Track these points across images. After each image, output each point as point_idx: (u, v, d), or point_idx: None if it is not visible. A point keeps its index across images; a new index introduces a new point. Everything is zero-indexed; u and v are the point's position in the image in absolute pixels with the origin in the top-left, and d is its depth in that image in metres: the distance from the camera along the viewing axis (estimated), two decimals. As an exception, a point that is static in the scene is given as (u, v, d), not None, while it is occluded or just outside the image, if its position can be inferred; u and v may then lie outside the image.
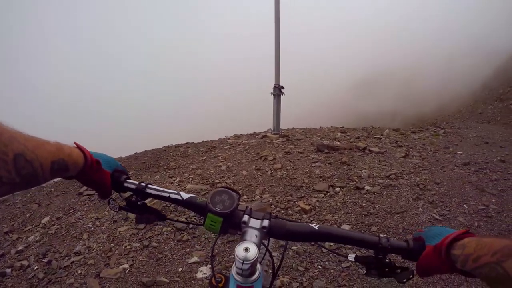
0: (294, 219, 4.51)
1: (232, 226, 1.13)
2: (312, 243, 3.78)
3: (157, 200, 1.44)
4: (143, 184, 1.25)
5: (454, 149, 7.30)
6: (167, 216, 1.35)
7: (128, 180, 1.28)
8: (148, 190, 1.24)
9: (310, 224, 1.13)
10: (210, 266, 3.36)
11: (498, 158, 6.47)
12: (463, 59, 23.87)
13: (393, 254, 1.06)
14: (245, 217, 1.12)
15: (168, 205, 4.96)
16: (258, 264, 1.07)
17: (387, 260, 1.05)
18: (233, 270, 1.05)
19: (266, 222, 1.11)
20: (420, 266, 0.99)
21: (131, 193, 1.28)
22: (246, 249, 0.97)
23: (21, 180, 0.81)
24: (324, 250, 3.79)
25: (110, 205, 1.29)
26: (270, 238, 1.23)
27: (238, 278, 1.05)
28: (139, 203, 1.25)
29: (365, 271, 1.08)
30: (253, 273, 1.05)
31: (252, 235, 1.08)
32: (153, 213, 1.31)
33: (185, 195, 1.22)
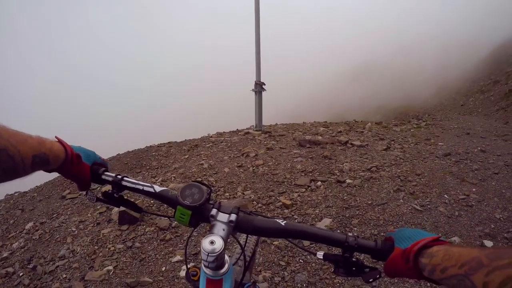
0: (272, 215, 4.56)
1: (201, 219, 1.16)
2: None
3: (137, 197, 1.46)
4: (119, 176, 1.28)
5: (435, 141, 7.40)
6: (143, 209, 1.39)
7: (106, 173, 1.31)
8: (124, 183, 1.27)
9: (277, 220, 1.15)
10: (184, 260, 3.37)
11: (479, 148, 6.58)
12: (445, 53, 24.09)
13: (364, 254, 1.08)
14: (213, 211, 1.15)
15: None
16: (227, 258, 1.11)
17: (354, 259, 1.06)
18: (202, 264, 1.08)
19: (233, 217, 1.13)
20: (388, 268, 1.00)
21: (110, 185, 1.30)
22: (212, 242, 1.00)
23: (2, 173, 0.85)
24: (294, 247, 3.83)
25: (88, 196, 1.33)
26: (248, 235, 1.26)
27: (206, 271, 1.08)
28: (115, 195, 1.29)
29: (333, 269, 1.10)
30: (221, 266, 1.08)
31: (219, 228, 1.10)
32: (129, 205, 1.34)
33: (158, 188, 1.25)
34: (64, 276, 3.98)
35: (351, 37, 36.03)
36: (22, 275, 4.17)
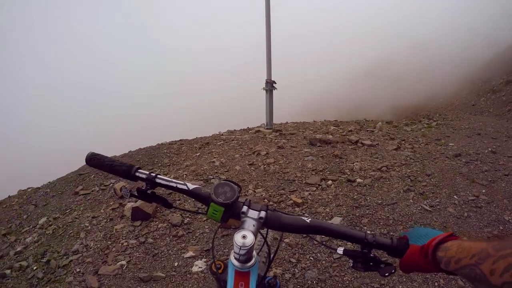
0: (288, 212, 4.60)
1: (232, 215, 1.24)
2: (304, 235, 3.89)
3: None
4: (153, 174, 1.36)
5: (446, 141, 7.37)
6: (173, 205, 1.45)
7: (139, 170, 1.39)
8: (158, 180, 1.35)
9: (303, 218, 1.22)
10: (211, 254, 3.47)
11: (489, 149, 6.54)
12: (457, 52, 23.89)
13: (378, 251, 1.15)
14: (244, 208, 1.22)
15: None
16: (254, 252, 1.17)
17: (371, 255, 1.13)
18: (231, 257, 1.15)
19: (263, 214, 1.20)
20: (404, 263, 1.08)
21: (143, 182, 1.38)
22: (244, 236, 1.08)
23: None
24: (315, 242, 3.88)
25: (122, 192, 1.41)
26: (269, 231, 1.33)
27: (236, 263, 1.14)
28: (148, 191, 1.36)
29: (351, 264, 1.16)
30: (249, 259, 1.15)
31: (250, 224, 1.17)
32: (161, 201, 1.40)
33: (191, 186, 1.33)
34: (78, 270, 4.05)
35: (363, 35, 35.80)
36: (36, 268, 4.26)
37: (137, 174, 1.37)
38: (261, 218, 1.19)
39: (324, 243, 2.94)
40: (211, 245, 4.05)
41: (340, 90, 28.35)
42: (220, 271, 1.27)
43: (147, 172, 1.37)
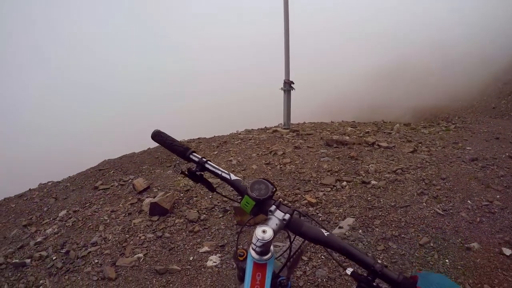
0: (307, 212, 4.68)
1: (261, 211, 1.37)
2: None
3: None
4: (204, 159, 1.54)
5: (463, 145, 7.31)
6: (216, 190, 1.63)
7: (193, 153, 1.58)
8: (207, 165, 1.53)
9: (322, 230, 1.30)
10: (236, 243, 3.61)
11: (507, 154, 6.47)
12: (477, 53, 23.61)
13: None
14: (273, 207, 1.33)
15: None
16: (272, 248, 1.25)
17: (374, 284, 1.17)
18: (250, 248, 1.24)
19: (287, 216, 1.30)
20: None
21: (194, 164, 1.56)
22: (264, 231, 1.17)
23: None
24: (329, 256, 3.90)
25: (174, 168, 1.63)
26: (297, 236, 1.43)
27: (253, 254, 1.23)
28: (197, 173, 1.53)
29: (355, 286, 1.21)
30: (266, 253, 1.23)
31: (273, 222, 1.28)
32: (206, 184, 1.58)
33: (233, 177, 1.49)
34: (96, 261, 4.17)
35: (382, 35, 35.58)
36: (55, 258, 4.38)
37: (191, 156, 1.56)
38: (284, 219, 1.29)
39: (337, 258, 3.04)
40: (236, 237, 4.16)
41: (359, 90, 28.20)
42: (241, 258, 1.34)
43: (200, 157, 1.55)
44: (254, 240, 1.18)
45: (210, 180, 1.59)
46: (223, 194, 1.78)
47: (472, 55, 23.67)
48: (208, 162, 1.53)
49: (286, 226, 1.30)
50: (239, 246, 1.36)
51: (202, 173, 1.54)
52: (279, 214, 1.31)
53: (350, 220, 4.37)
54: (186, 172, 1.54)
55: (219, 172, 1.50)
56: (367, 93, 27.31)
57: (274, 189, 1.38)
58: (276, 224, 1.26)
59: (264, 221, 1.28)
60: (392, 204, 4.73)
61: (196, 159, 1.55)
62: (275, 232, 1.22)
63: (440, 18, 32.86)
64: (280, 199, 1.25)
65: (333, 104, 27.39)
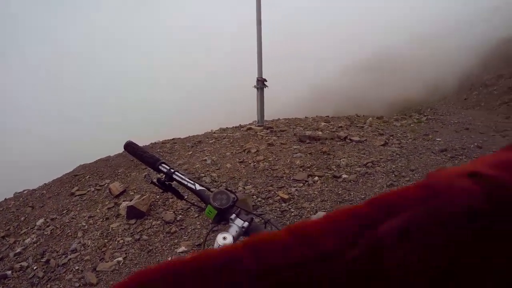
0: (270, 208, 4.81)
1: (223, 219, 1.48)
2: None
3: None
4: (172, 170, 1.63)
5: (433, 136, 7.51)
6: (184, 197, 1.75)
7: (163, 164, 1.67)
8: (174, 176, 1.62)
9: None
10: (202, 246, 3.72)
11: (476, 144, 6.69)
12: (451, 46, 23.95)
13: None
14: (233, 216, 1.45)
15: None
16: None
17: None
18: None
19: (246, 224, 1.42)
20: None
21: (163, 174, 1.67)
22: (224, 238, 1.29)
23: None
24: None
25: (145, 178, 1.79)
26: None
27: None
28: (166, 182, 1.63)
29: None
30: None
31: (234, 229, 1.39)
32: (175, 193, 1.68)
33: (198, 187, 1.60)
34: (77, 267, 4.24)
35: (362, 30, 35.87)
36: (36, 268, 4.43)
37: (160, 167, 1.66)
38: (243, 227, 1.41)
39: None
40: (202, 240, 4.27)
41: (338, 85, 28.41)
42: None
43: (168, 167, 1.64)
44: (215, 246, 1.29)
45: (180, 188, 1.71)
46: (191, 202, 1.91)
47: (449, 49, 24.00)
48: (176, 172, 1.63)
49: (245, 233, 1.42)
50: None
51: (170, 182, 1.64)
52: (238, 222, 1.43)
53: (321, 214, 4.47)
54: (156, 182, 1.65)
55: (185, 183, 1.61)
56: (347, 87, 27.56)
57: (236, 198, 1.50)
58: (236, 231, 1.38)
59: (226, 228, 1.40)
60: (362, 197, 4.88)
61: (165, 170, 1.64)
62: (235, 239, 1.34)
63: (419, 12, 33.27)
64: (239, 208, 1.33)
65: (312, 98, 27.59)
